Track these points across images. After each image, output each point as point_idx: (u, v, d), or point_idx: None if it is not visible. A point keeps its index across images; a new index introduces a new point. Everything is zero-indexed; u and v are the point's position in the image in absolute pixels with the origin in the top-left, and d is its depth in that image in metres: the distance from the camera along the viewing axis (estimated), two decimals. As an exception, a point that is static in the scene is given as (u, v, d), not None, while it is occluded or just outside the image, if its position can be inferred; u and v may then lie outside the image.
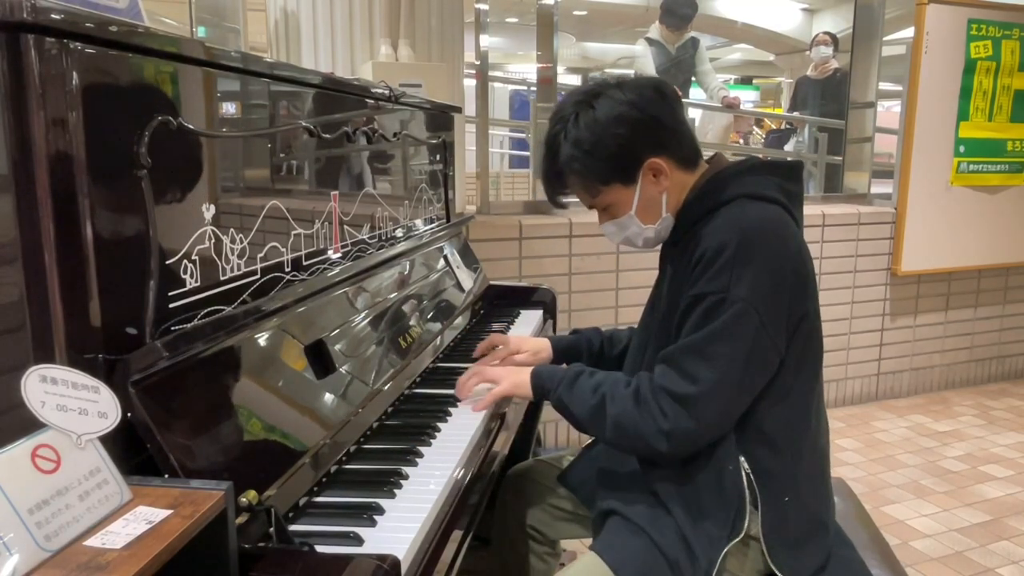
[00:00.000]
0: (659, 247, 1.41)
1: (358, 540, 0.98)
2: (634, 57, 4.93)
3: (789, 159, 1.76)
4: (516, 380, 1.43)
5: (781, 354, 1.21)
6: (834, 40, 4.98)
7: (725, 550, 1.20)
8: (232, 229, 1.10)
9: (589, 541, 1.37)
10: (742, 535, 1.21)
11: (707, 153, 1.38)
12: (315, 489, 1.10)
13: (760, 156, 4.95)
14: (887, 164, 4.05)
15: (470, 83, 3.11)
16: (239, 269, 1.12)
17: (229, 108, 1.13)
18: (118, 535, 0.69)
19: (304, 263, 1.32)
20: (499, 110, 8.81)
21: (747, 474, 1.22)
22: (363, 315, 1.45)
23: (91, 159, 0.81)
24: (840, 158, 4.10)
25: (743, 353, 1.18)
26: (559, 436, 3.18)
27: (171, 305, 0.96)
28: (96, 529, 0.71)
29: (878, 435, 3.45)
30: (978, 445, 3.33)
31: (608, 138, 1.25)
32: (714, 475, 1.23)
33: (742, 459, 1.23)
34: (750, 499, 1.22)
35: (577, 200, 1.38)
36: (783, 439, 1.24)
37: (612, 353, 1.62)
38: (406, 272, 1.76)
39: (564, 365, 1.47)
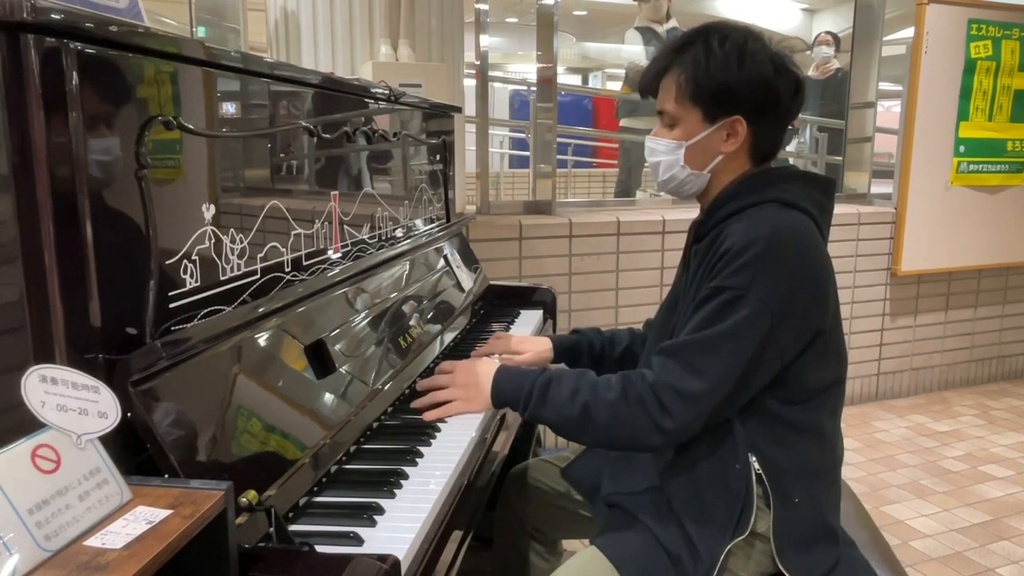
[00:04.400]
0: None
1: (358, 540, 0.97)
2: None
3: (823, 174, 1.73)
4: (470, 396, 1.37)
5: (784, 361, 1.21)
6: (836, 40, 4.97)
7: (728, 548, 1.20)
8: (232, 229, 1.10)
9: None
10: (747, 533, 1.21)
11: None
12: (315, 489, 1.10)
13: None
14: (887, 164, 4.05)
15: (470, 83, 3.11)
16: (239, 269, 1.12)
17: (229, 108, 1.13)
18: (118, 535, 0.69)
19: (304, 263, 1.32)
20: (499, 110, 8.81)
21: (757, 473, 1.22)
22: (363, 315, 1.45)
23: (91, 159, 0.81)
24: (840, 158, 4.10)
25: (749, 353, 1.17)
26: (559, 436, 3.18)
27: (171, 305, 0.96)
28: (96, 529, 0.71)
29: (878, 435, 3.45)
30: (978, 445, 3.33)
31: (734, 71, 1.23)
32: (720, 474, 1.23)
33: (752, 458, 1.22)
34: (761, 497, 1.22)
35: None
36: (797, 440, 1.25)
37: (613, 355, 1.61)
38: (406, 272, 1.76)
39: (526, 368, 1.41)
